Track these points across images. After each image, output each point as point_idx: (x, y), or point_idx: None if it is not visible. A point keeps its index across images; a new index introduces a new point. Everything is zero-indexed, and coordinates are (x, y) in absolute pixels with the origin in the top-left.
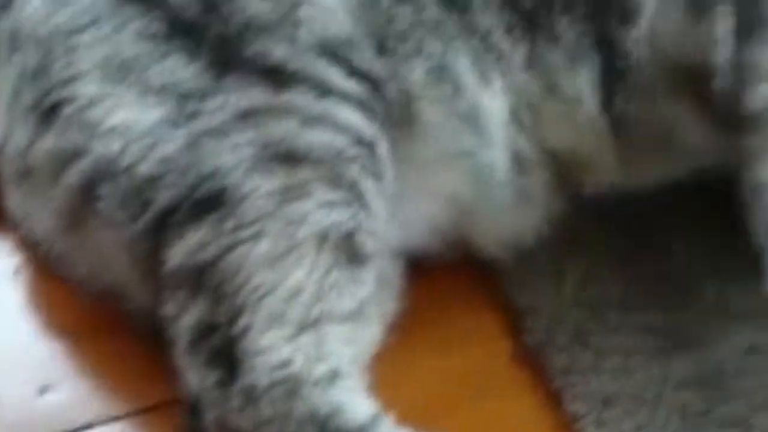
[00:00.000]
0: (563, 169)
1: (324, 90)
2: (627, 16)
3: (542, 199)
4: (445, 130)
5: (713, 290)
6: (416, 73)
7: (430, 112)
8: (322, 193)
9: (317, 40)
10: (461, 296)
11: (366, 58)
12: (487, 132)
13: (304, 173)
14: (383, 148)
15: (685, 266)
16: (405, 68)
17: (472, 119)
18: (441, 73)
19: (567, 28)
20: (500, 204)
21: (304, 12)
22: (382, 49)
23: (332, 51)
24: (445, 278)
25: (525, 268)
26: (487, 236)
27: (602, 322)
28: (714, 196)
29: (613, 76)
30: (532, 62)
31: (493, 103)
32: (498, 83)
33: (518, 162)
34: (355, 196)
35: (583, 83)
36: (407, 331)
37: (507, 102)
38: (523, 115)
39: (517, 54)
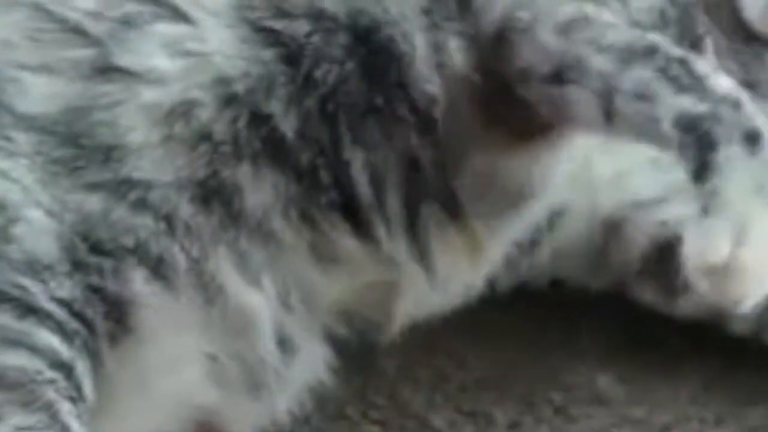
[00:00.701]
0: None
1: (25, 310)
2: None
3: (310, 372)
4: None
5: None
6: (147, 285)
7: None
8: (15, 418)
9: (26, 259)
10: None
11: (68, 283)
12: (251, 330)
13: None
14: (81, 368)
15: None
16: (137, 280)
17: (232, 320)
18: (197, 277)
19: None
20: (260, 395)
21: (18, 230)
22: (98, 267)
23: (37, 271)
24: None
25: None
26: (237, 425)
27: None
28: None
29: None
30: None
31: (260, 299)
32: (268, 276)
33: (286, 346)
34: (52, 419)
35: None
36: None
37: (274, 293)
38: (293, 298)
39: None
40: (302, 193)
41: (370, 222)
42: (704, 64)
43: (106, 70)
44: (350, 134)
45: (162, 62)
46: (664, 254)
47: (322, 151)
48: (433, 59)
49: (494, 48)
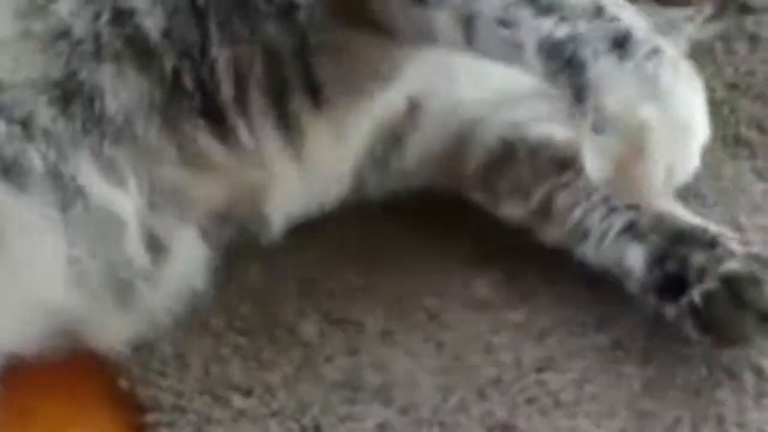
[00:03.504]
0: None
1: None
2: None
3: (185, 274)
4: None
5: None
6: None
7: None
8: None
9: None
10: (73, 394)
11: None
12: (115, 229)
13: None
14: None
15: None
16: None
17: (94, 221)
18: (54, 179)
19: None
20: (123, 302)
21: None
22: None
23: None
24: (53, 372)
25: (146, 357)
26: (104, 334)
27: (227, 407)
28: None
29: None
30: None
31: (124, 199)
32: (134, 179)
33: (156, 247)
34: None
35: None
36: None
37: (140, 195)
38: (161, 200)
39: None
40: (165, 98)
41: (234, 125)
42: None
43: None
44: (219, 31)
45: None
46: (504, 158)
47: (187, 53)
48: None
49: None
